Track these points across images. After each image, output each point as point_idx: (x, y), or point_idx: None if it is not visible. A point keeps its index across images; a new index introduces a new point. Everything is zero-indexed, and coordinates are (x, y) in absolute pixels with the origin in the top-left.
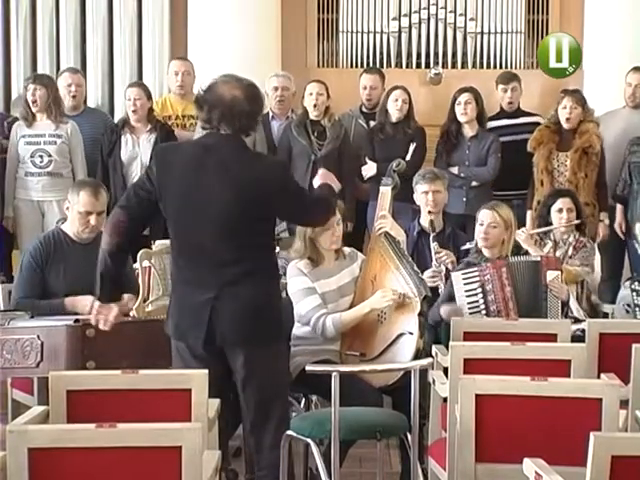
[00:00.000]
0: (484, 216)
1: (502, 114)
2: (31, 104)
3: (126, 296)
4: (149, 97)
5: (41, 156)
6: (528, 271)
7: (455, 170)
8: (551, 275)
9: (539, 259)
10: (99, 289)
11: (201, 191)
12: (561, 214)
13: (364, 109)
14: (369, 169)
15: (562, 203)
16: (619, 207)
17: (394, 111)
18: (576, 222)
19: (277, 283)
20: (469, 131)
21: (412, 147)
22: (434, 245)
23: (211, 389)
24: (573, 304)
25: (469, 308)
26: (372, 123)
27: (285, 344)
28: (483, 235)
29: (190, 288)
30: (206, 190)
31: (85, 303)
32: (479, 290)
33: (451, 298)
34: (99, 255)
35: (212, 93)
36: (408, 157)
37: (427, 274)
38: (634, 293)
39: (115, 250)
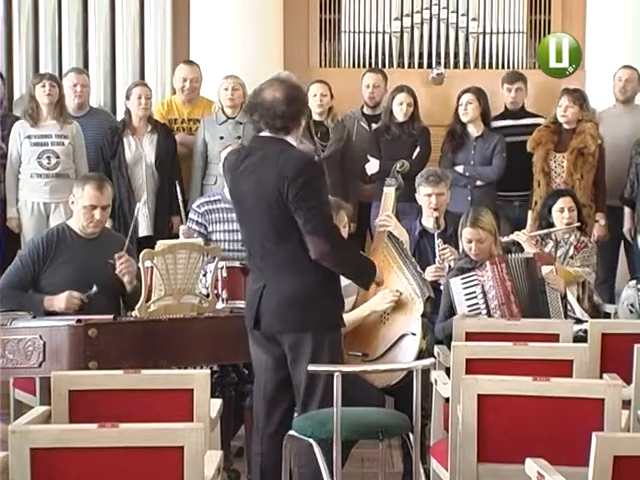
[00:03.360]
0: (469, 234)
1: (506, 114)
2: (44, 100)
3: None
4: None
5: (49, 157)
6: (524, 267)
7: (460, 169)
8: (546, 269)
9: (532, 255)
10: None
11: (242, 189)
12: (563, 213)
13: (365, 110)
14: (372, 166)
15: (563, 202)
16: (627, 211)
17: (399, 115)
18: (576, 225)
19: (322, 274)
20: (474, 131)
21: (418, 150)
22: (439, 242)
23: (269, 374)
24: (575, 305)
25: (469, 311)
26: (374, 125)
27: (334, 332)
28: (474, 253)
29: (250, 278)
30: (245, 188)
31: (60, 301)
32: (479, 291)
33: (450, 305)
34: None
35: (257, 97)
36: (414, 157)
37: (429, 269)
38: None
39: None
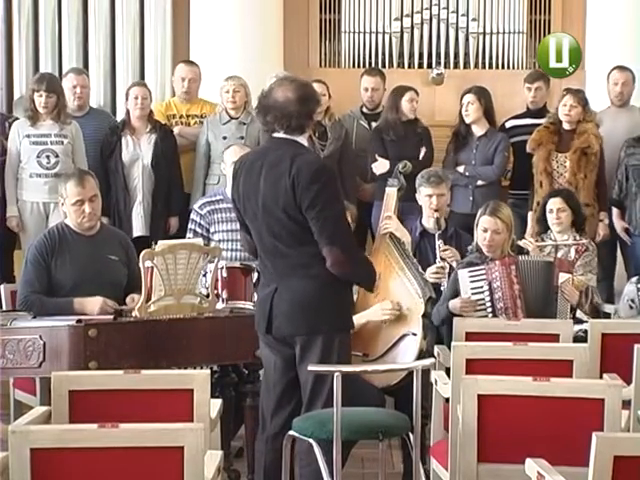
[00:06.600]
0: (486, 223)
1: (527, 113)
2: (40, 108)
3: (136, 296)
4: (151, 97)
5: (48, 156)
6: (540, 271)
7: (461, 169)
8: (563, 277)
9: (552, 260)
10: None
11: (254, 191)
12: (552, 214)
13: (365, 110)
14: (380, 166)
15: (552, 204)
16: (616, 212)
17: (409, 112)
18: (584, 242)
19: (333, 276)
20: (478, 130)
21: (423, 151)
22: (439, 242)
23: (278, 375)
24: (580, 315)
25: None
26: (373, 124)
27: (344, 333)
28: (487, 242)
29: (262, 281)
30: (257, 189)
31: (94, 305)
32: (486, 288)
33: (455, 296)
34: None
35: (268, 98)
36: (421, 157)
37: (430, 270)
38: None
39: None
